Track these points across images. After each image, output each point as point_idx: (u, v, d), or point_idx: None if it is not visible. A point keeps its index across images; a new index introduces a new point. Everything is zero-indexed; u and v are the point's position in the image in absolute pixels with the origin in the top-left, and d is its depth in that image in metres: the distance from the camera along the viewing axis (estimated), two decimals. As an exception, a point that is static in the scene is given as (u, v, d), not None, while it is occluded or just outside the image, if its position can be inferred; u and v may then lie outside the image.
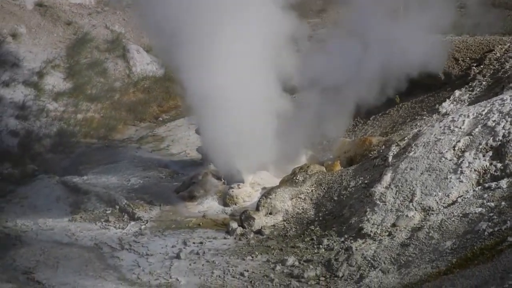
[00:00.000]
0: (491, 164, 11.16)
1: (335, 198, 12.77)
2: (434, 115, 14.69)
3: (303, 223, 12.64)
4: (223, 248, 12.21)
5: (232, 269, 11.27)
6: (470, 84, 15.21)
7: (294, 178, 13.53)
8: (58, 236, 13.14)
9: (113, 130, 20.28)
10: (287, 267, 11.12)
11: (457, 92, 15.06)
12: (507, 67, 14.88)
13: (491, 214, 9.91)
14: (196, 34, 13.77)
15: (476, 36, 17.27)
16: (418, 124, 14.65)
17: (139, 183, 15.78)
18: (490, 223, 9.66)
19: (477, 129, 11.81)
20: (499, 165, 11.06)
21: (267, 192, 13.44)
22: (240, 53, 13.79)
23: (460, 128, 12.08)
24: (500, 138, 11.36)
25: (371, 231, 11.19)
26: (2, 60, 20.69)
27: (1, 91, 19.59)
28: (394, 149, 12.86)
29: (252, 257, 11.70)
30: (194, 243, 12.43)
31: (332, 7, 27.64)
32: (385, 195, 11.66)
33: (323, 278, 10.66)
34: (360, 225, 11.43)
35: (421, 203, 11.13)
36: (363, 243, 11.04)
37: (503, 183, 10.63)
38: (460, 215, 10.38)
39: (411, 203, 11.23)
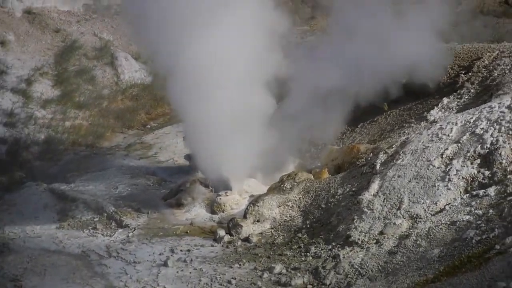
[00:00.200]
0: (479, 171, 11.16)
1: (323, 206, 12.75)
2: (422, 122, 14.63)
3: (291, 230, 12.61)
4: (211, 255, 12.17)
5: (220, 277, 11.23)
6: (458, 91, 15.16)
7: (282, 185, 13.51)
8: (45, 244, 13.06)
9: (101, 138, 20.30)
10: (275, 275, 11.08)
11: (445, 100, 15.02)
12: (495, 74, 14.86)
13: (479, 222, 9.92)
14: (183, 36, 13.79)
15: (464, 44, 17.28)
16: (406, 131, 14.58)
17: (126, 191, 15.71)
18: (477, 231, 9.68)
19: (465, 137, 11.81)
20: (487, 172, 11.07)
21: (255, 200, 13.41)
22: (227, 59, 13.80)
23: (448, 135, 12.08)
24: (488, 145, 11.37)
25: (358, 239, 11.16)
26: (-10, 68, 20.72)
27: (-10, 98, 19.60)
28: (382, 157, 12.84)
29: (240, 264, 11.66)
30: (181, 250, 12.38)
31: (321, 15, 27.63)
32: (373, 203, 11.65)
33: (311, 286, 10.64)
34: (347, 233, 11.41)
35: (408, 211, 11.12)
36: (350, 250, 11.01)
37: (491, 191, 10.65)
38: (448, 223, 10.38)
39: (398, 211, 11.22)
